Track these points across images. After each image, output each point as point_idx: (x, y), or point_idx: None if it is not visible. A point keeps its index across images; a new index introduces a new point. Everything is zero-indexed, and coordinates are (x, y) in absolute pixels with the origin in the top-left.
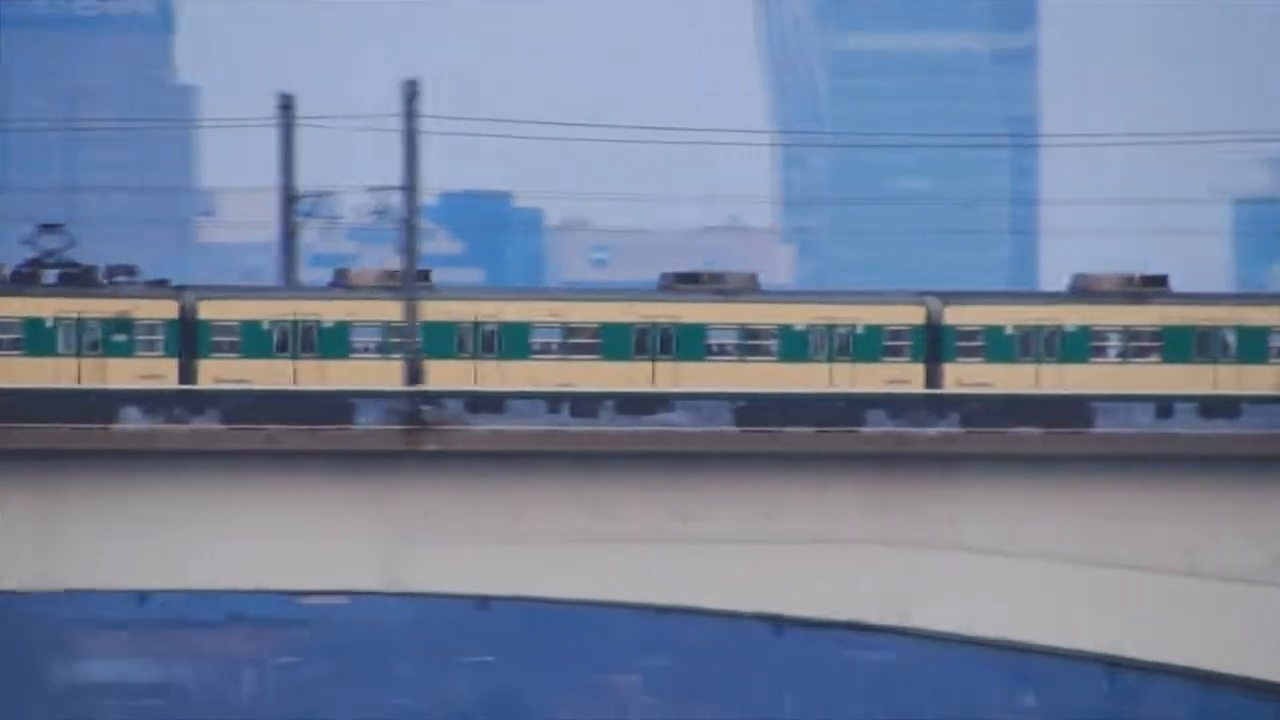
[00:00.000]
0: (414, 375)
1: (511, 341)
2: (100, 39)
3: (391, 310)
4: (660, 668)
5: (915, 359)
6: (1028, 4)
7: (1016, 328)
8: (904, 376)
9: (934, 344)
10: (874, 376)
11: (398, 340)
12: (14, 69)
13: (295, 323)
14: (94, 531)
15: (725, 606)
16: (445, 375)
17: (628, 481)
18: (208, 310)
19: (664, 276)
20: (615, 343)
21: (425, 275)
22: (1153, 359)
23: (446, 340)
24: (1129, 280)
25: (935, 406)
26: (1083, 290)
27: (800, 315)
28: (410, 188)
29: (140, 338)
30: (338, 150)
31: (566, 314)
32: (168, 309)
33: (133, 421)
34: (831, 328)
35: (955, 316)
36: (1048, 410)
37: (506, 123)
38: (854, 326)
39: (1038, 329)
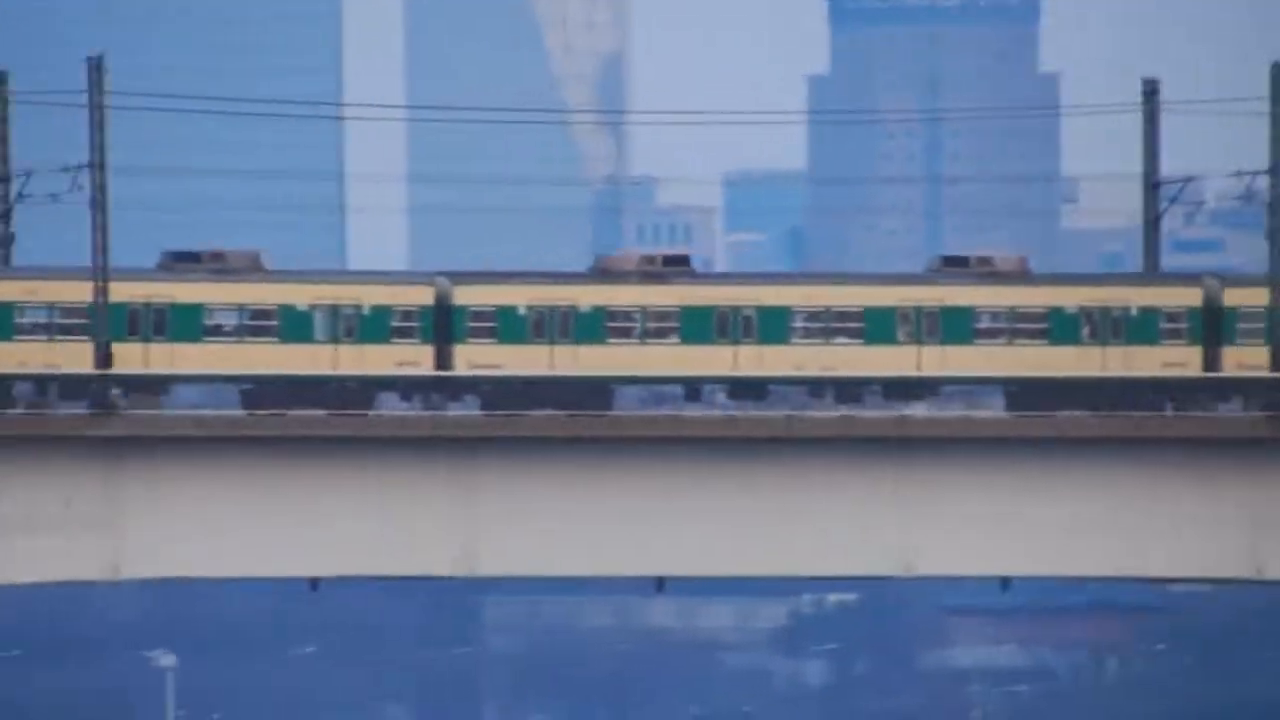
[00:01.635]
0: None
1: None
2: (965, 30)
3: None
4: None
5: (425, 340)
6: None
7: (530, 308)
8: (413, 358)
9: (444, 325)
10: (383, 358)
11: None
12: (881, 62)
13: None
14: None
15: None
16: None
17: None
18: None
19: (163, 255)
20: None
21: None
22: (672, 340)
23: None
24: (650, 260)
25: (450, 388)
26: (602, 270)
27: (303, 295)
28: (1277, 171)
29: None
30: (1205, 134)
31: (51, 294)
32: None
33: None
34: (336, 308)
35: (466, 297)
36: (565, 392)
37: None
38: (360, 307)
39: (552, 310)
